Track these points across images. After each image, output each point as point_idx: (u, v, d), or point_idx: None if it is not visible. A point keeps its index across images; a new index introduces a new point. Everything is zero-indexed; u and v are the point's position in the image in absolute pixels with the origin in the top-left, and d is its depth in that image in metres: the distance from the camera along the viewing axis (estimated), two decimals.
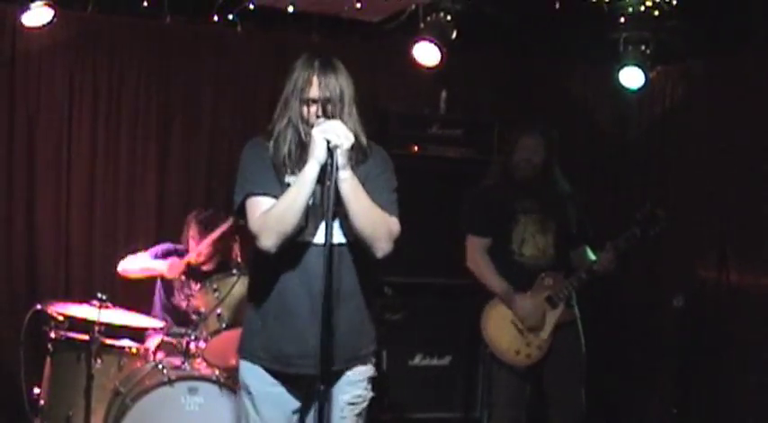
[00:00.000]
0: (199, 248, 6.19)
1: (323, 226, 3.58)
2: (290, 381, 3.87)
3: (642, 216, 5.57)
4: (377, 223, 3.73)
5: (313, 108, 3.75)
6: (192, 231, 6.36)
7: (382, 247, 3.76)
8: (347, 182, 3.62)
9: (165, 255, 6.45)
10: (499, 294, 5.60)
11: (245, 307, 4.14)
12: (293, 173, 3.76)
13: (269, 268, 3.81)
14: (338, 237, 3.75)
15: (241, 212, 3.83)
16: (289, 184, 3.74)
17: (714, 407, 6.95)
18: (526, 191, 5.66)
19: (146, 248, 6.56)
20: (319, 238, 3.70)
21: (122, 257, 6.52)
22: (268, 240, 3.68)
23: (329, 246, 3.48)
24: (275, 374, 3.88)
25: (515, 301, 5.56)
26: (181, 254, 6.45)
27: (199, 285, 6.30)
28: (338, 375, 3.86)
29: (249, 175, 3.84)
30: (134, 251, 6.59)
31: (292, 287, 3.79)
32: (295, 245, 3.74)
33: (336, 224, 3.69)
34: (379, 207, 3.75)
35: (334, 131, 3.55)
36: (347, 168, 3.61)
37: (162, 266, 6.30)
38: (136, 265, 6.37)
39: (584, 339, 5.68)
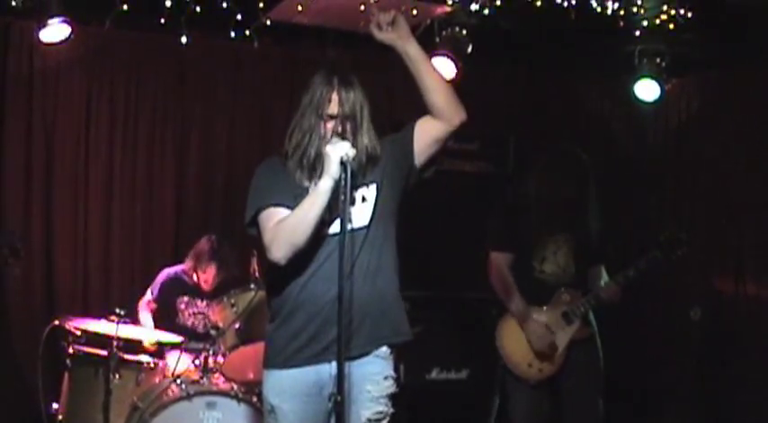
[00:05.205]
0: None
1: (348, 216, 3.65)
2: (312, 387, 3.86)
3: (665, 238, 5.55)
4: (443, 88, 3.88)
5: (330, 124, 3.79)
6: (206, 265, 6.48)
7: (461, 114, 3.89)
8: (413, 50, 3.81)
9: (166, 289, 6.51)
10: (514, 314, 5.58)
11: (260, 320, 4.14)
12: (307, 188, 3.81)
13: (290, 263, 3.79)
14: (362, 220, 3.81)
15: (252, 225, 3.87)
16: (302, 196, 3.78)
17: (732, 418, 6.93)
18: (551, 208, 5.60)
19: (146, 279, 6.63)
20: (335, 228, 3.73)
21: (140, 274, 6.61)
22: (279, 252, 3.72)
23: (344, 270, 3.54)
24: (297, 383, 3.87)
25: (528, 325, 5.54)
26: (181, 282, 6.53)
27: (205, 302, 6.36)
28: (363, 355, 3.85)
29: (261, 189, 3.88)
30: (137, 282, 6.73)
31: (316, 278, 3.80)
32: (315, 238, 3.76)
33: (361, 206, 3.81)
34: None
35: (344, 150, 3.62)
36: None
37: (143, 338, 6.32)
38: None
39: (602, 353, 5.67)
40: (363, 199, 3.85)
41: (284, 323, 3.89)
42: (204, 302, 6.42)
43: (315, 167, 3.79)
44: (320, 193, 3.66)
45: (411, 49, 3.82)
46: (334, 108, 3.78)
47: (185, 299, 6.48)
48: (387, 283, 3.91)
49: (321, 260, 3.79)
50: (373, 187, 3.88)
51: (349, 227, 3.67)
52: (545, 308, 5.55)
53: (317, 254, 3.80)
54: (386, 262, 3.91)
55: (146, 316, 6.48)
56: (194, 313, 6.46)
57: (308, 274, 3.82)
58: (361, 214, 3.84)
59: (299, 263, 3.81)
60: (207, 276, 6.47)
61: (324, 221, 3.74)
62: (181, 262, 6.64)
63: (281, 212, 3.77)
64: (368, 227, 3.85)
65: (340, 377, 3.60)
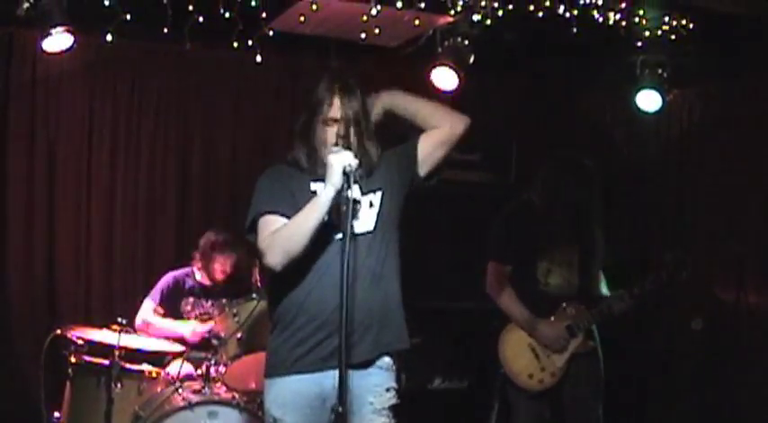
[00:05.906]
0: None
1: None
2: (315, 399, 3.86)
3: (670, 260, 5.55)
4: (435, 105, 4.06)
5: (333, 128, 3.83)
6: (222, 253, 6.46)
7: (463, 119, 4.02)
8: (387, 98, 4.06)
9: (169, 293, 6.49)
10: (520, 323, 5.56)
11: (262, 330, 4.14)
12: (308, 192, 3.84)
13: (294, 269, 3.81)
14: (367, 225, 3.85)
15: (251, 231, 3.89)
16: (305, 200, 3.78)
17: None
18: (555, 217, 5.61)
19: (148, 288, 6.59)
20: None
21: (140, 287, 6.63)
22: (274, 258, 3.74)
23: (347, 273, 3.52)
24: (299, 396, 3.87)
25: (538, 329, 5.53)
26: (185, 284, 6.52)
27: (211, 302, 6.34)
28: (366, 365, 3.88)
29: (262, 196, 3.91)
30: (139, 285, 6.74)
31: (322, 283, 3.81)
32: (319, 243, 3.77)
33: (368, 212, 3.85)
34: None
35: (348, 161, 3.63)
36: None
37: (183, 330, 6.33)
38: (156, 327, 6.35)
39: (603, 364, 5.65)
40: (371, 204, 3.89)
41: (289, 329, 3.89)
42: (210, 302, 6.40)
43: (318, 173, 3.80)
44: (321, 202, 3.68)
45: (386, 99, 4.03)
46: (336, 112, 3.83)
47: (190, 300, 6.46)
48: (391, 289, 3.94)
49: (327, 266, 3.79)
50: (379, 194, 3.92)
51: (355, 230, 3.70)
52: (552, 318, 5.55)
53: (322, 259, 3.82)
54: (390, 268, 3.93)
55: (158, 320, 6.40)
56: (200, 314, 6.43)
57: (315, 279, 3.83)
58: (366, 219, 3.87)
59: (305, 268, 3.82)
60: (224, 266, 6.45)
61: (332, 225, 3.76)
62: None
63: (279, 220, 3.80)
64: (373, 232, 3.88)
65: (341, 387, 3.59)
